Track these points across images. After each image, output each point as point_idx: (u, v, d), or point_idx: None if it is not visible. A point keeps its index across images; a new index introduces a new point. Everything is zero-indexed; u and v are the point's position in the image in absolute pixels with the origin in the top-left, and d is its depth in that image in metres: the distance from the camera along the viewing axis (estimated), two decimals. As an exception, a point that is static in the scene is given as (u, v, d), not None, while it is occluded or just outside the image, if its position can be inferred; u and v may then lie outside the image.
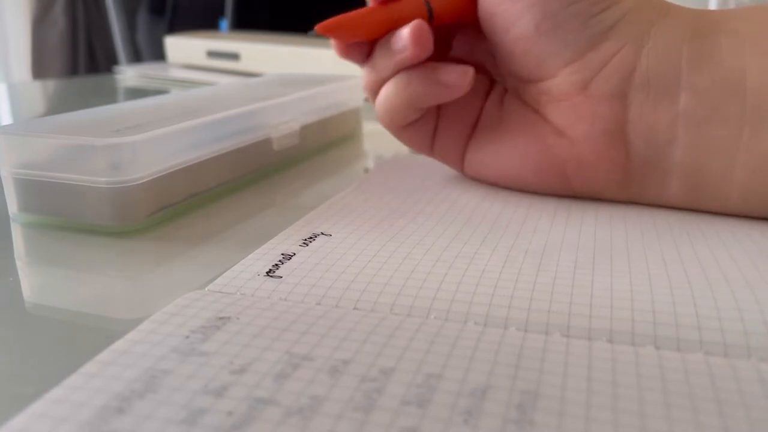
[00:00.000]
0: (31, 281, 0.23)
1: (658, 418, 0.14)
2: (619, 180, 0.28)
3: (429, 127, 0.31)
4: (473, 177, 0.32)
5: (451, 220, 0.26)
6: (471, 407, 0.14)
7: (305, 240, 0.24)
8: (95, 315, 0.21)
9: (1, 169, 0.27)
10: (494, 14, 0.28)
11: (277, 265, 0.22)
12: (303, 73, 0.50)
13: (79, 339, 0.19)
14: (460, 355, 0.16)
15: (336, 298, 0.20)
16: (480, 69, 0.31)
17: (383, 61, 0.28)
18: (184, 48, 0.81)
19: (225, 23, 1.18)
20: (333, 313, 0.19)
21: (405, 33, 0.27)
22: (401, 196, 0.30)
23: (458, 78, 0.28)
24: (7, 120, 0.57)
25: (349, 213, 0.28)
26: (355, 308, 0.19)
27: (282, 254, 0.23)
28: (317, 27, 0.27)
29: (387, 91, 0.29)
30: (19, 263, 0.25)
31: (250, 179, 0.34)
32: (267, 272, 0.21)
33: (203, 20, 1.17)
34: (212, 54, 0.77)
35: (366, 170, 0.38)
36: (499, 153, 0.30)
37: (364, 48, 0.29)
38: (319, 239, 0.24)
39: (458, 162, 0.32)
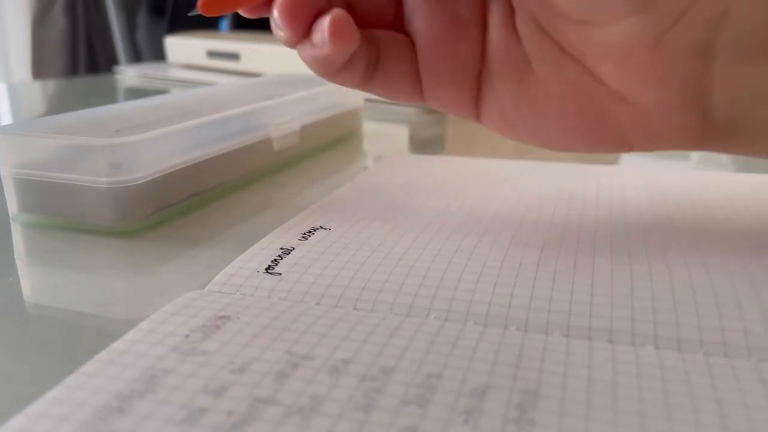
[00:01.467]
0: (31, 281, 0.23)
1: (658, 417, 0.14)
2: (694, 143, 0.22)
3: (408, 77, 0.24)
4: (496, 132, 0.25)
5: (450, 216, 0.26)
6: (471, 407, 0.14)
7: (304, 234, 0.24)
8: (95, 315, 0.21)
9: (1, 169, 0.27)
10: None
11: (276, 260, 0.22)
12: (303, 73, 0.50)
13: (79, 339, 0.19)
14: (460, 355, 0.16)
15: (336, 297, 0.20)
16: None
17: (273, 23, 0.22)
18: (184, 48, 0.81)
19: (225, 23, 1.18)
20: (333, 313, 0.19)
21: (323, 25, 0.21)
22: (401, 191, 0.30)
23: (321, 38, 0.21)
24: (7, 120, 0.57)
25: (349, 207, 0.28)
26: (355, 308, 0.19)
27: (281, 249, 0.23)
28: (199, 6, 0.22)
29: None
30: (19, 263, 0.25)
31: (250, 179, 0.34)
32: (266, 268, 0.21)
33: (203, 20, 1.17)
34: (212, 54, 0.77)
35: (366, 168, 0.38)
36: (532, 113, 0.23)
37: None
38: (318, 233, 0.24)
39: (468, 113, 0.25)
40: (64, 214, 0.27)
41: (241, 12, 0.23)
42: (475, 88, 0.24)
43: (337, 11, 0.21)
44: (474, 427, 0.14)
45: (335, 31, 0.21)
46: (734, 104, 0.21)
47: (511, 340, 0.17)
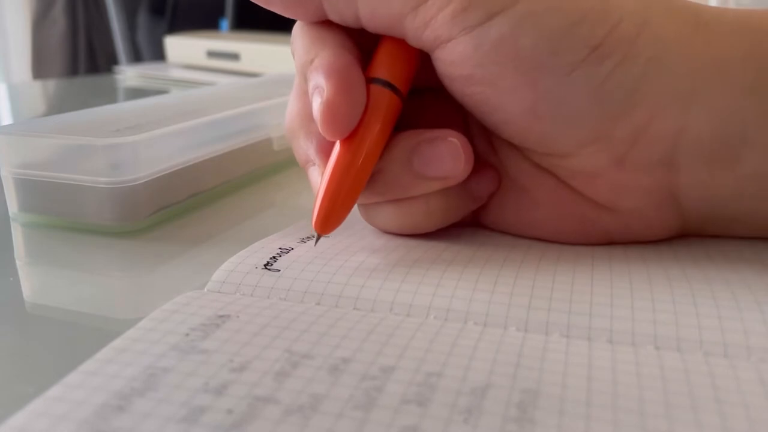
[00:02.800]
0: (31, 281, 0.23)
1: (658, 417, 0.14)
2: (675, 234, 0.23)
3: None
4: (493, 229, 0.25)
5: (450, 225, 0.26)
6: (471, 406, 0.14)
7: (303, 239, 0.24)
8: (95, 315, 0.21)
9: (1, 169, 0.27)
10: (464, 96, 0.21)
11: (275, 257, 0.22)
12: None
13: (79, 339, 0.19)
14: (460, 354, 0.16)
15: (336, 296, 0.20)
16: (444, 96, 0.23)
17: (403, 184, 0.22)
18: (184, 48, 0.81)
19: (225, 23, 1.18)
20: (333, 312, 0.19)
21: (444, 153, 0.21)
22: None
23: (491, 186, 0.23)
24: (7, 120, 0.57)
25: (348, 218, 0.28)
26: (355, 308, 0.19)
27: (280, 248, 0.23)
28: (317, 229, 0.21)
29: (411, 212, 0.23)
30: (19, 263, 0.25)
31: (250, 179, 0.34)
32: (265, 264, 0.21)
33: (203, 20, 1.17)
34: (212, 54, 0.77)
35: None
36: (523, 219, 0.24)
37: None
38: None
39: (471, 221, 0.25)
40: (64, 214, 0.27)
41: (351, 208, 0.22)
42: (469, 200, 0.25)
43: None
44: (474, 426, 0.14)
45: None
46: (707, 206, 0.22)
47: (511, 339, 0.17)
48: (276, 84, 0.43)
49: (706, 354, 0.17)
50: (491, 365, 0.16)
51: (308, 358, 0.16)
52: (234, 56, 0.74)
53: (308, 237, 0.24)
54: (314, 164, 0.23)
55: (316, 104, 0.20)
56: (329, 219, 0.21)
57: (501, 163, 0.24)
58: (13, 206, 0.28)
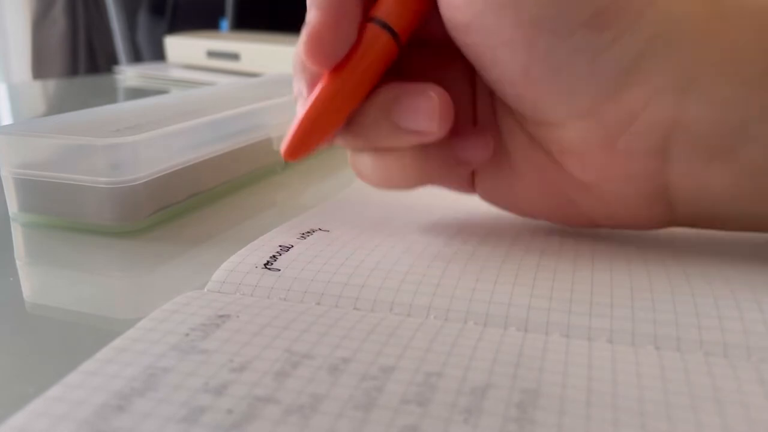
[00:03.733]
0: (31, 281, 0.23)
1: (658, 417, 0.14)
2: (662, 227, 0.23)
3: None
4: (489, 203, 0.25)
5: (451, 218, 0.26)
6: (471, 406, 0.14)
7: (303, 234, 0.24)
8: (95, 315, 0.21)
9: (1, 169, 0.27)
10: (464, 47, 0.21)
11: (275, 256, 0.22)
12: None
13: (79, 339, 0.19)
14: (460, 354, 0.16)
15: (336, 297, 0.20)
16: (452, 51, 0.22)
17: (379, 132, 0.21)
18: (184, 48, 0.81)
19: (225, 23, 1.18)
20: (333, 312, 0.19)
21: (428, 109, 0.20)
22: (400, 197, 0.30)
23: (481, 153, 0.23)
24: (7, 120, 0.57)
25: (348, 211, 0.28)
26: (355, 308, 0.19)
27: (280, 246, 0.23)
28: (284, 155, 0.21)
29: (387, 164, 0.22)
30: (19, 263, 0.25)
31: (250, 179, 0.34)
32: (265, 264, 0.21)
33: (203, 20, 1.17)
34: (212, 54, 0.77)
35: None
36: (512, 193, 0.24)
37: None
38: (317, 234, 0.24)
39: (467, 188, 0.25)
40: (64, 214, 0.27)
41: (322, 147, 0.22)
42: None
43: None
44: (474, 426, 0.14)
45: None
46: (698, 201, 0.21)
47: (511, 339, 0.17)
48: (276, 84, 0.43)
49: (706, 354, 0.17)
50: (491, 365, 0.16)
51: (308, 358, 0.16)
52: (234, 56, 0.74)
53: (308, 232, 0.24)
54: (302, 96, 0.22)
55: (304, 32, 0.20)
56: (299, 146, 0.21)
57: (499, 131, 0.23)
58: (13, 206, 0.28)
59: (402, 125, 0.21)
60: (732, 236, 0.24)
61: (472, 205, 0.28)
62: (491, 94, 0.23)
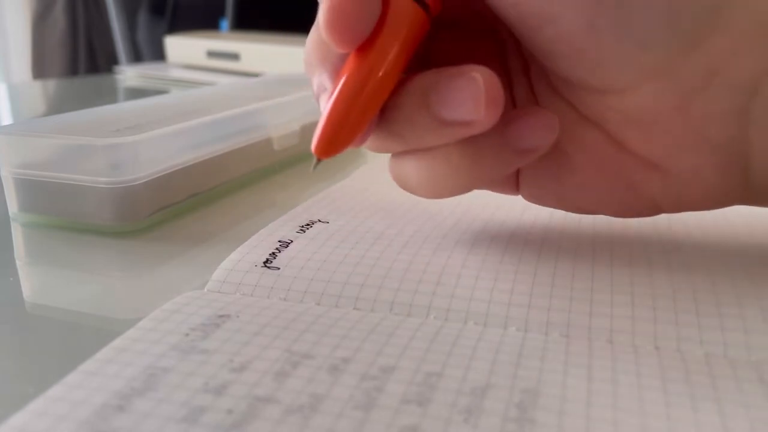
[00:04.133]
0: (31, 281, 0.23)
1: (658, 416, 0.14)
2: (733, 203, 0.20)
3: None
4: (532, 202, 0.23)
5: (449, 212, 0.26)
6: (471, 406, 0.14)
7: (302, 227, 0.24)
8: (95, 315, 0.21)
9: (1, 169, 0.27)
10: (513, 6, 0.18)
11: (274, 253, 0.22)
12: (303, 73, 0.50)
13: (79, 339, 0.19)
14: (460, 354, 0.16)
15: (335, 296, 0.20)
16: (480, 30, 0.20)
17: (418, 128, 0.18)
18: (184, 48, 0.81)
19: (225, 23, 1.18)
20: (333, 312, 0.19)
21: (473, 94, 0.17)
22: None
23: (545, 136, 0.19)
24: (7, 120, 0.57)
25: (348, 201, 0.28)
26: (355, 308, 0.19)
27: (279, 242, 0.23)
28: (315, 152, 0.19)
29: (432, 167, 0.19)
30: (19, 263, 0.25)
31: (250, 179, 0.34)
32: (264, 262, 0.21)
33: (203, 20, 1.17)
34: (212, 54, 0.77)
35: (365, 164, 0.38)
36: (564, 187, 0.21)
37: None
38: (317, 226, 0.24)
39: (511, 190, 0.23)
40: (64, 214, 0.27)
41: (354, 146, 0.19)
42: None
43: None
44: (474, 426, 0.14)
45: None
46: None
47: (511, 339, 0.17)
48: (276, 84, 0.43)
49: (706, 354, 0.17)
50: (491, 365, 0.16)
51: (308, 358, 0.16)
52: (234, 56, 0.74)
53: (307, 225, 0.24)
54: (326, 90, 0.19)
55: (323, 8, 0.17)
56: (333, 141, 0.18)
57: (528, 87, 0.21)
58: (13, 206, 0.28)
59: (444, 116, 0.18)
60: (732, 235, 0.24)
61: (469, 198, 0.28)
62: (526, 74, 0.21)
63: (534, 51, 0.19)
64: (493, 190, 0.23)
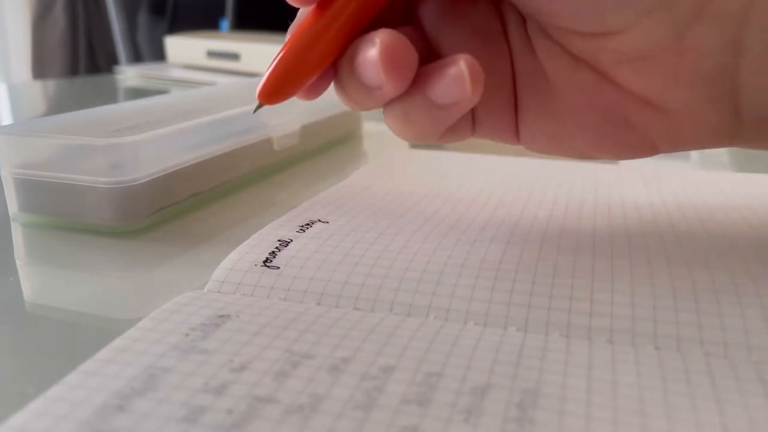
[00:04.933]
0: (31, 281, 0.23)
1: (658, 417, 0.14)
2: (725, 142, 0.21)
3: (464, 118, 0.22)
4: (539, 153, 0.23)
5: (448, 212, 0.26)
6: (471, 406, 0.14)
7: (302, 226, 0.24)
8: (95, 315, 0.21)
9: (1, 169, 0.27)
10: None
11: (273, 252, 0.22)
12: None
13: (79, 339, 0.19)
14: (460, 354, 0.16)
15: (335, 296, 0.20)
16: None
17: (357, 91, 0.19)
18: (184, 48, 0.81)
19: (225, 23, 1.18)
20: (333, 312, 0.19)
21: (371, 59, 0.18)
22: (400, 186, 0.30)
23: (457, 91, 0.19)
24: (7, 120, 0.57)
25: (348, 201, 0.28)
26: (355, 308, 0.19)
27: (279, 241, 0.23)
28: (258, 97, 0.20)
29: (388, 122, 0.21)
30: (19, 263, 0.25)
31: (250, 179, 0.34)
32: (264, 261, 0.21)
33: (203, 20, 1.17)
34: (212, 54, 0.77)
35: (366, 164, 0.38)
36: (561, 128, 0.22)
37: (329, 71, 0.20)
38: (316, 226, 0.24)
39: (512, 138, 0.23)
40: (64, 214, 0.27)
41: (301, 97, 0.21)
42: (512, 108, 0.22)
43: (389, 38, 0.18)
44: (474, 426, 0.14)
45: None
46: (765, 105, 0.19)
47: (511, 339, 0.17)
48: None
49: (706, 354, 0.17)
50: (491, 365, 0.16)
51: (308, 358, 0.16)
52: (234, 56, 0.74)
53: (307, 224, 0.24)
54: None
55: None
56: (277, 87, 0.19)
57: (538, 62, 0.21)
58: (13, 206, 0.28)
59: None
60: (733, 235, 0.24)
61: (469, 198, 0.28)
62: (523, 24, 0.21)
63: (528, 5, 0.20)
64: (493, 140, 0.23)
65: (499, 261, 0.21)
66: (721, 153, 0.42)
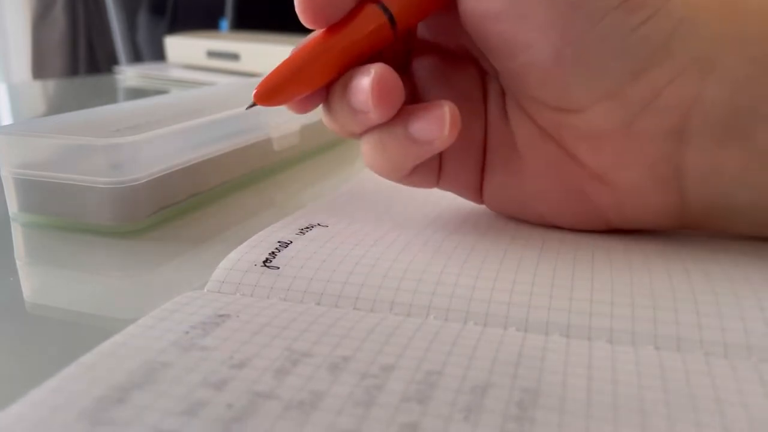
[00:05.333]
0: (31, 281, 0.23)
1: (658, 416, 0.14)
2: (672, 223, 0.23)
3: (432, 165, 0.24)
4: (500, 213, 0.26)
5: (450, 215, 0.26)
6: (471, 404, 0.14)
7: (302, 230, 0.24)
8: (95, 315, 0.21)
9: (1, 169, 0.27)
10: (491, 36, 0.21)
11: (273, 253, 0.22)
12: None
13: (79, 339, 0.19)
14: (460, 353, 0.16)
15: (335, 296, 0.20)
16: (463, 56, 0.24)
17: (344, 114, 0.21)
18: (184, 48, 0.81)
19: (225, 23, 1.18)
20: (333, 312, 0.19)
21: (363, 86, 0.20)
22: (400, 190, 0.30)
23: (435, 130, 0.21)
24: (7, 120, 0.57)
25: (347, 206, 0.28)
26: (354, 308, 0.19)
27: (279, 242, 0.23)
28: (254, 97, 0.21)
29: (364, 148, 0.23)
30: (19, 263, 0.25)
31: (250, 179, 0.34)
32: (264, 261, 0.21)
33: (203, 20, 1.17)
34: (212, 54, 0.77)
35: (366, 169, 0.38)
36: (523, 194, 0.24)
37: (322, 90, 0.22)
38: (316, 229, 0.24)
39: (475, 196, 0.25)
40: (64, 214, 0.27)
41: (292, 108, 0.22)
42: (479, 168, 0.24)
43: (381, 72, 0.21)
44: (474, 424, 0.14)
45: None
46: (710, 187, 0.21)
47: (511, 339, 0.17)
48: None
49: (706, 354, 0.17)
50: (491, 364, 0.16)
51: (308, 356, 0.16)
52: (234, 56, 0.74)
53: (307, 228, 0.24)
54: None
55: None
56: (273, 91, 0.21)
57: (510, 130, 0.24)
58: (13, 206, 0.28)
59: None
60: (733, 236, 0.24)
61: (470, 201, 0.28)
62: (502, 95, 0.24)
63: (506, 75, 0.22)
64: (455, 194, 0.25)
65: (499, 262, 0.21)
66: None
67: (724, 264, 0.21)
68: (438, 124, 0.21)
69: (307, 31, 0.22)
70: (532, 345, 0.17)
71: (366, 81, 0.20)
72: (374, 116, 0.21)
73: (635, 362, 0.16)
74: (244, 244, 0.23)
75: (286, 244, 0.23)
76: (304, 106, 0.22)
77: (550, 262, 0.21)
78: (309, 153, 0.40)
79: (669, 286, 0.19)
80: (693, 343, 0.17)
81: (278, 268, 0.21)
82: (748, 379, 0.15)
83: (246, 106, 0.22)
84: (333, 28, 0.21)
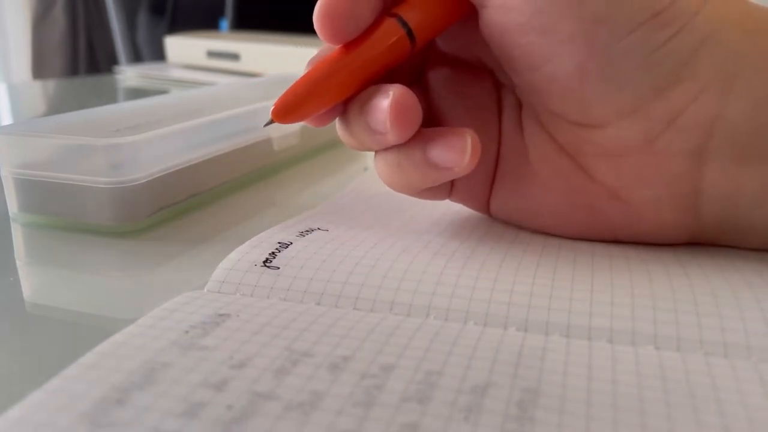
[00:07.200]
0: (31, 281, 0.23)
1: (658, 416, 0.14)
2: (684, 238, 0.23)
3: (446, 183, 0.24)
4: (506, 222, 0.26)
5: (452, 218, 0.26)
6: (471, 404, 0.14)
7: (302, 232, 0.24)
8: (95, 315, 0.21)
9: (1, 169, 0.27)
10: (513, 48, 0.21)
11: (273, 253, 0.22)
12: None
13: (79, 339, 0.19)
14: (460, 353, 0.16)
15: (335, 296, 0.20)
16: (478, 68, 0.24)
17: (361, 131, 0.21)
18: (184, 48, 0.81)
19: (225, 23, 1.18)
20: (333, 312, 0.19)
21: (382, 107, 0.20)
22: (400, 195, 0.30)
23: (455, 158, 0.21)
24: (7, 120, 0.57)
25: (347, 211, 0.28)
26: (354, 308, 0.19)
27: (279, 242, 0.23)
28: (272, 114, 0.21)
29: (378, 166, 0.23)
30: (19, 263, 0.25)
31: (250, 179, 0.34)
32: (264, 261, 0.21)
33: (203, 20, 1.17)
34: (212, 54, 0.77)
35: (366, 169, 0.38)
36: (532, 206, 0.24)
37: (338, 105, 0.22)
38: (316, 233, 0.24)
39: (483, 208, 0.25)
40: (64, 214, 0.27)
41: (309, 123, 0.22)
42: (489, 182, 0.24)
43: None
44: (474, 424, 0.14)
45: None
46: (727, 206, 0.21)
47: (511, 339, 0.17)
48: (276, 84, 0.43)
49: (706, 354, 0.17)
50: (491, 364, 0.16)
51: (308, 356, 0.16)
52: (234, 56, 0.74)
53: (307, 230, 0.24)
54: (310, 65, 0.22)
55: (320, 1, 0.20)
56: (290, 109, 0.21)
57: (523, 143, 0.23)
58: (13, 206, 0.28)
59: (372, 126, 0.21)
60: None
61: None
62: (518, 107, 0.24)
63: (526, 88, 0.22)
64: (464, 205, 0.26)
65: (499, 262, 0.21)
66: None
67: (723, 265, 0.21)
68: (458, 152, 0.21)
69: (307, 31, 0.22)
70: (532, 345, 0.17)
71: (385, 102, 0.20)
72: (391, 137, 0.20)
73: (635, 362, 0.16)
74: (245, 244, 0.23)
75: (287, 245, 0.23)
76: (322, 121, 0.22)
77: (551, 263, 0.21)
78: (309, 153, 0.40)
79: (669, 287, 0.19)
80: (693, 343, 0.17)
81: (278, 268, 0.21)
82: (748, 379, 0.15)
83: (264, 124, 0.22)
84: (351, 44, 0.21)
